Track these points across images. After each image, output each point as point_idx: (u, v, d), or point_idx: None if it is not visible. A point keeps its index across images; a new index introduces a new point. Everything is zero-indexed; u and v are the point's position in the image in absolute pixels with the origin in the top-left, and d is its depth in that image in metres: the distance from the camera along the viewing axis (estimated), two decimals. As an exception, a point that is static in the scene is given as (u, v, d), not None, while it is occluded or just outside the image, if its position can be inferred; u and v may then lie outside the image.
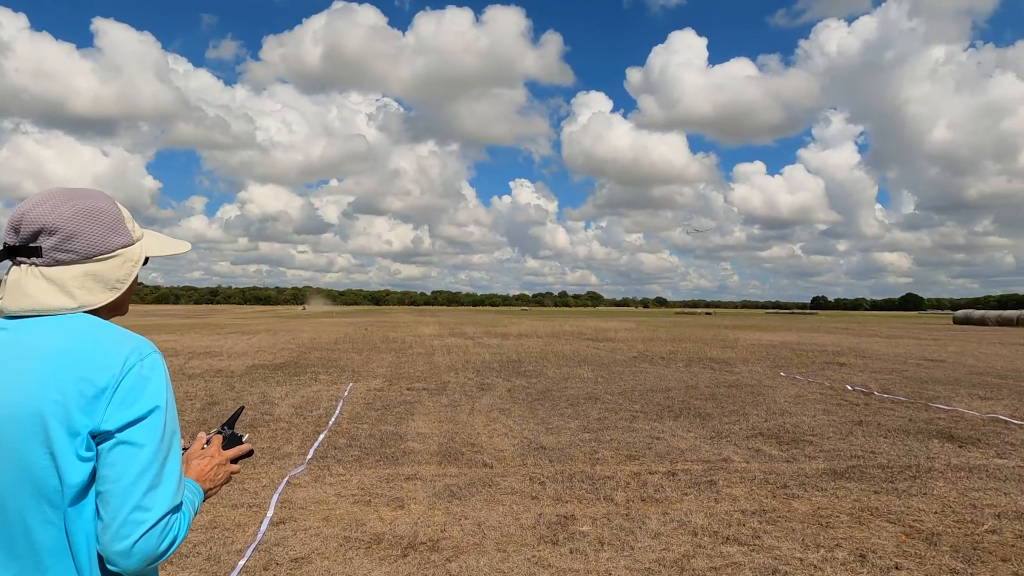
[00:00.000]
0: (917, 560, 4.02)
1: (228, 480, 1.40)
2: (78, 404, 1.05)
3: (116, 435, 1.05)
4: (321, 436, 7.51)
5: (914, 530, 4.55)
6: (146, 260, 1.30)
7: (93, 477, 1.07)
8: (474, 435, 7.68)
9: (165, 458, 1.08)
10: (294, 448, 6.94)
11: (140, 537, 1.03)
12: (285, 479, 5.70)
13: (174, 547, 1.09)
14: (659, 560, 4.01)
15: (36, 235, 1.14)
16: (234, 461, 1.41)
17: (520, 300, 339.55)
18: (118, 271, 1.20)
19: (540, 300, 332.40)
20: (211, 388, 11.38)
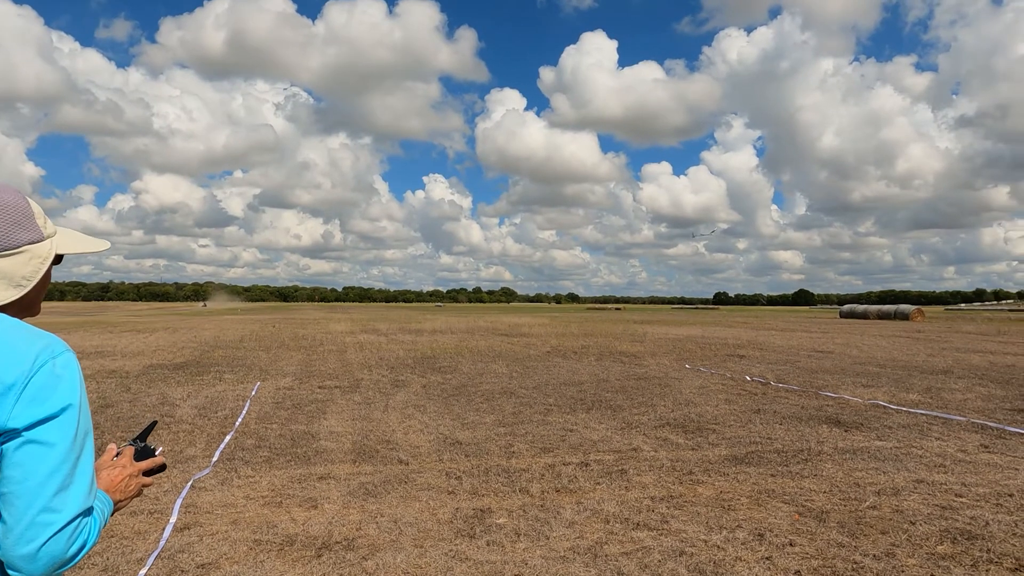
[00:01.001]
0: (808, 536, 4.33)
1: (139, 493, 1.36)
2: None
3: (24, 433, 1.00)
4: (227, 437, 7.21)
5: (806, 509, 4.88)
6: (60, 258, 1.25)
7: None
8: (389, 432, 7.60)
9: (77, 458, 1.03)
10: (198, 451, 6.64)
11: (47, 540, 0.98)
12: (189, 483, 5.44)
13: (83, 553, 1.05)
14: (573, 548, 4.12)
15: None
16: (147, 474, 1.38)
17: (434, 296, 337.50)
18: (24, 268, 1.14)
19: (454, 296, 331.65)
20: (103, 390, 10.68)
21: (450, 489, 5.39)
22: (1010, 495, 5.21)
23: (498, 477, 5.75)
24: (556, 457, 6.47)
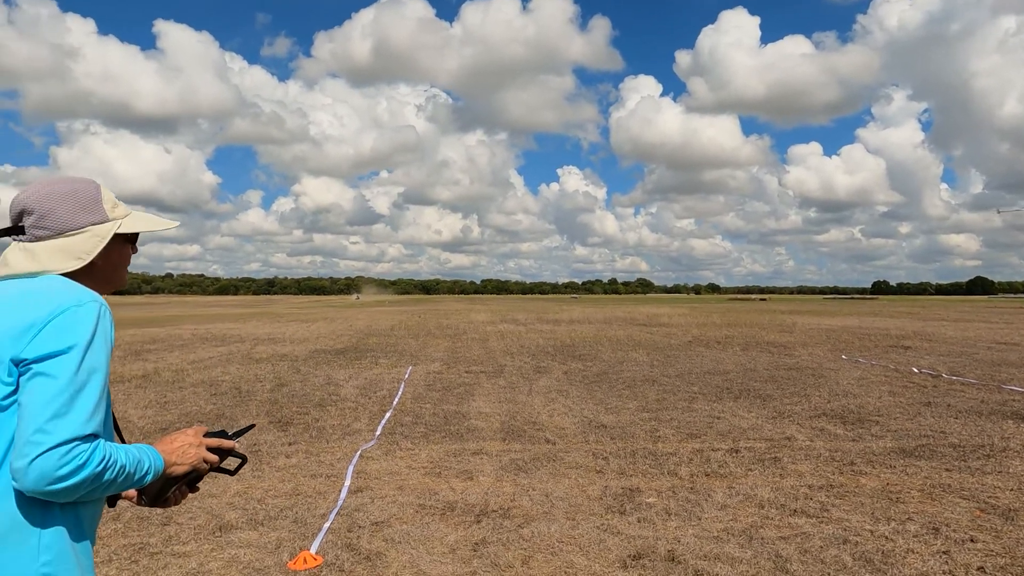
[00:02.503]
0: (993, 534, 3.98)
1: (202, 468, 1.42)
2: (9, 336, 1.19)
3: (33, 366, 1.17)
4: (388, 414, 7.78)
5: (989, 506, 4.48)
6: (135, 239, 1.47)
7: (8, 402, 1.19)
8: (534, 414, 7.83)
9: (77, 392, 1.17)
10: (363, 425, 7.23)
11: (38, 456, 1.11)
12: (358, 452, 5.96)
13: (80, 475, 1.14)
14: (727, 529, 4.08)
15: (20, 216, 1.35)
16: (216, 453, 1.44)
17: (569, 288, 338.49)
18: (85, 244, 1.35)
19: (590, 287, 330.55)
20: (278, 371, 11.85)
21: (598, 468, 5.49)
22: None
23: (645, 459, 5.77)
24: (704, 443, 6.37)
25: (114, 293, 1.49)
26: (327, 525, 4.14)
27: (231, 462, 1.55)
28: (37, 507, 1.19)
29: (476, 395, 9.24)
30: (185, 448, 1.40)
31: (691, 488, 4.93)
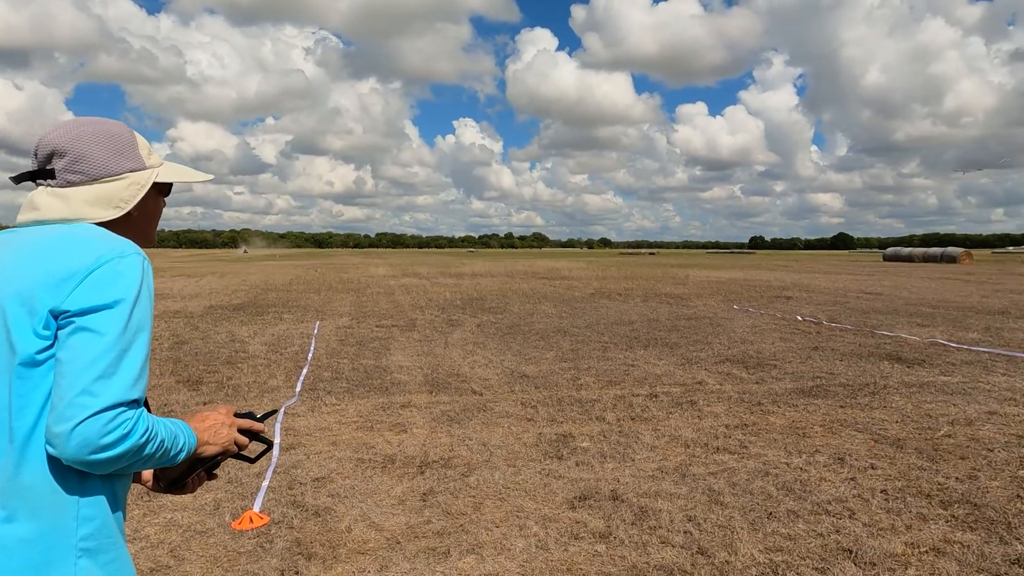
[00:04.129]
0: (888, 460, 4.45)
1: (232, 448, 1.31)
2: (45, 285, 1.07)
3: (76, 319, 1.06)
4: (304, 370, 7.55)
5: (881, 437, 5.00)
6: (168, 189, 1.35)
7: (44, 356, 1.07)
8: (455, 367, 7.86)
9: (124, 351, 1.06)
10: (279, 382, 6.98)
11: (82, 421, 1.00)
12: (281, 409, 5.77)
13: (124, 446, 1.04)
14: (660, 468, 4.32)
15: (50, 158, 1.21)
16: (246, 435, 1.35)
17: (466, 242, 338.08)
18: (123, 192, 1.24)
19: (486, 241, 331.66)
20: (174, 328, 11.16)
21: (528, 417, 5.62)
22: (1086, 426, 5.24)
23: (572, 407, 5.96)
24: (624, 389, 6.65)
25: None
26: (266, 484, 4.01)
27: (253, 448, 1.42)
28: (74, 474, 1.08)
29: (392, 349, 9.13)
30: (218, 428, 1.28)
31: (620, 432, 5.16)
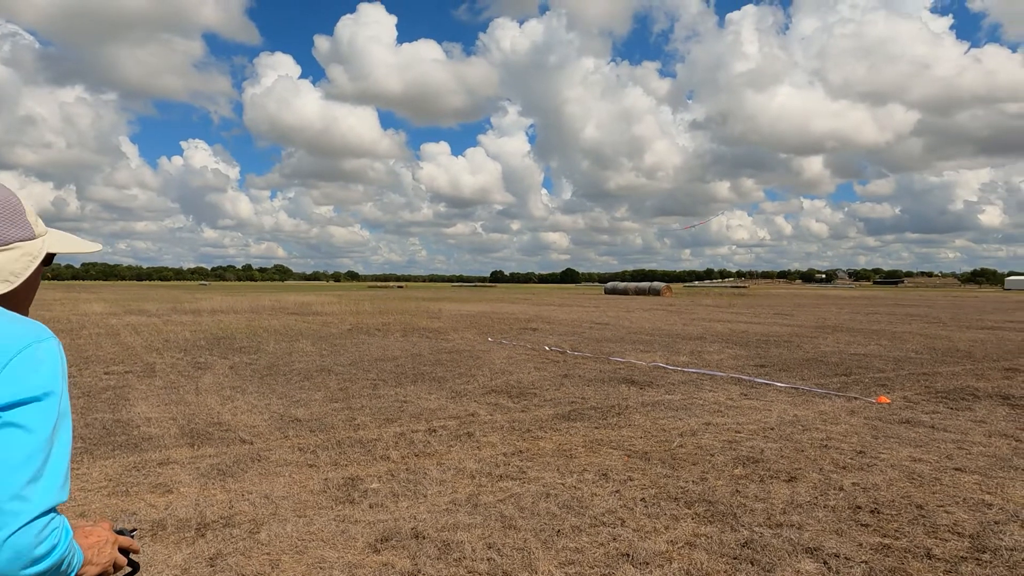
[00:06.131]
0: (641, 472, 5.16)
1: (112, 567, 1.20)
2: None
3: (1, 415, 0.96)
4: (20, 431, 6.33)
5: (632, 452, 5.76)
6: (51, 259, 1.26)
7: None
8: (214, 415, 7.23)
9: (51, 450, 0.98)
10: (-13, 448, 5.77)
11: (16, 531, 0.91)
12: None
13: (54, 557, 0.96)
14: (453, 501, 4.49)
15: None
16: (123, 553, 1.25)
17: (197, 273, 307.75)
18: (14, 264, 1.13)
19: (221, 273, 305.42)
20: None
21: (309, 463, 5.42)
22: (771, 428, 6.62)
23: (353, 448, 5.87)
24: (402, 426, 6.73)
25: None
26: None
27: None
28: None
29: (132, 399, 8.07)
30: (101, 545, 1.15)
31: (407, 469, 5.23)
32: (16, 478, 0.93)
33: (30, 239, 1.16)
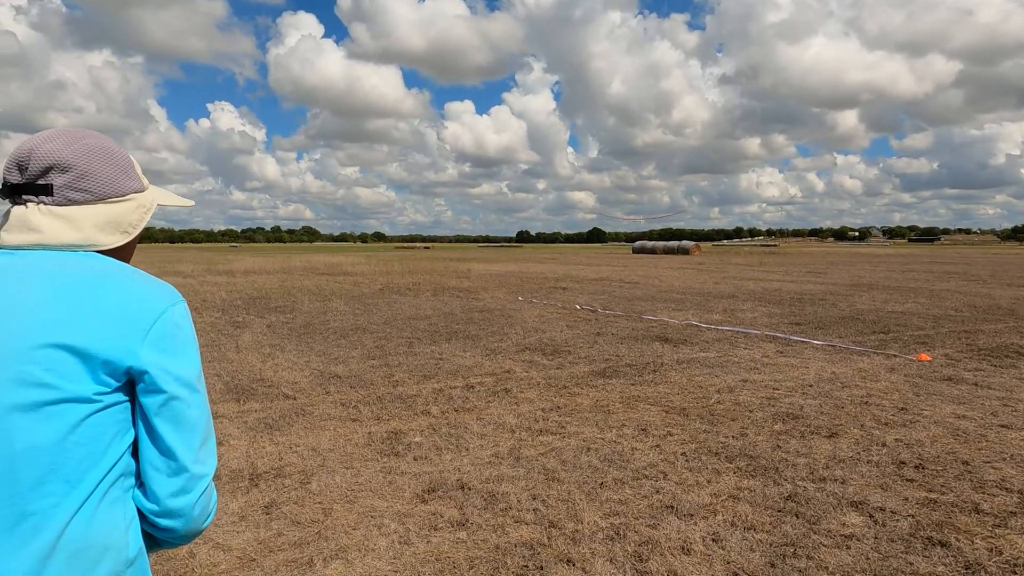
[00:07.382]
0: (680, 428, 5.19)
1: None
2: (94, 331, 0.96)
3: (162, 383, 0.99)
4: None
5: (669, 408, 5.78)
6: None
7: (110, 401, 0.96)
8: (256, 371, 7.40)
9: (208, 416, 1.07)
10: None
11: (204, 492, 1.01)
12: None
13: (215, 511, 1.07)
14: (495, 454, 4.57)
15: (46, 172, 1.05)
16: None
17: (227, 235, 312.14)
18: (131, 215, 1.13)
19: (251, 236, 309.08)
20: None
21: (352, 417, 5.54)
22: (810, 385, 6.58)
23: (393, 403, 5.98)
24: (440, 383, 6.82)
25: None
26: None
27: None
28: (120, 527, 0.99)
29: (177, 356, 8.29)
30: None
31: (448, 424, 5.32)
32: (192, 443, 1.01)
33: (142, 191, 1.17)
